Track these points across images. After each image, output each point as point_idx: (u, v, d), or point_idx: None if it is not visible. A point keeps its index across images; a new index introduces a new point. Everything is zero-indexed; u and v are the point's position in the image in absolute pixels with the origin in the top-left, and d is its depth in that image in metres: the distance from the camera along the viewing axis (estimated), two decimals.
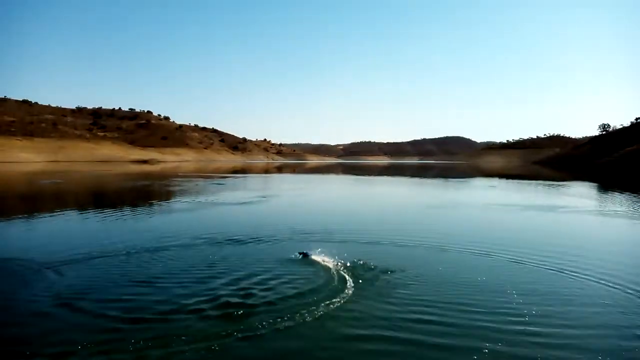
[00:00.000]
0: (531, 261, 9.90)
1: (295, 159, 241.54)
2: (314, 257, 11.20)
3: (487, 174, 67.74)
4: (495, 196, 28.31)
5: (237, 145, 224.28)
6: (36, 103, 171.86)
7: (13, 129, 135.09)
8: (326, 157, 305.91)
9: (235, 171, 69.99)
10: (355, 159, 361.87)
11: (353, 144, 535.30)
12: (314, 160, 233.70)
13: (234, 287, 7.89)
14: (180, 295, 7.50)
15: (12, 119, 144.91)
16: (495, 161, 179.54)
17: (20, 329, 6.07)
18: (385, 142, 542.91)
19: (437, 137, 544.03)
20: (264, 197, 25.86)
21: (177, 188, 32.18)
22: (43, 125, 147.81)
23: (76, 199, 25.68)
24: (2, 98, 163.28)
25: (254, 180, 46.88)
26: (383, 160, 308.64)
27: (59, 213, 17.96)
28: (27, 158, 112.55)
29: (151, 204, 21.92)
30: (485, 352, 5.34)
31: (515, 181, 45.57)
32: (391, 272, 8.95)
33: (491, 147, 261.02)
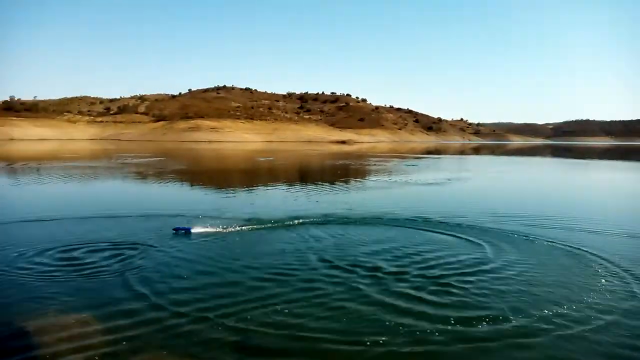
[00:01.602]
0: None
1: (494, 139, 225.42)
2: (195, 230, 10.20)
3: None
4: None
5: (431, 125, 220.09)
6: (255, 90, 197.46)
7: (238, 113, 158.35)
8: (531, 138, 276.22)
9: (429, 152, 69.04)
10: (568, 139, 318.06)
11: (566, 123, 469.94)
12: (516, 141, 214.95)
13: (436, 279, 7.30)
14: (380, 266, 7.76)
15: (237, 104, 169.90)
16: None
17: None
18: (608, 120, 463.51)
19: None
20: (457, 178, 24.86)
21: (372, 167, 33.28)
22: (261, 109, 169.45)
23: (286, 174, 28.86)
24: (230, 87, 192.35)
25: (447, 161, 45.48)
26: (604, 142, 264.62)
27: (274, 185, 20.39)
28: (248, 138, 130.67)
29: (348, 181, 23.18)
30: None
31: None
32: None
33: None
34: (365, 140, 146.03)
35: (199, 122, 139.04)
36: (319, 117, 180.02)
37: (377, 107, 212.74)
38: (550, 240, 9.47)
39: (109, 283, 7.04)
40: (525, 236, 9.90)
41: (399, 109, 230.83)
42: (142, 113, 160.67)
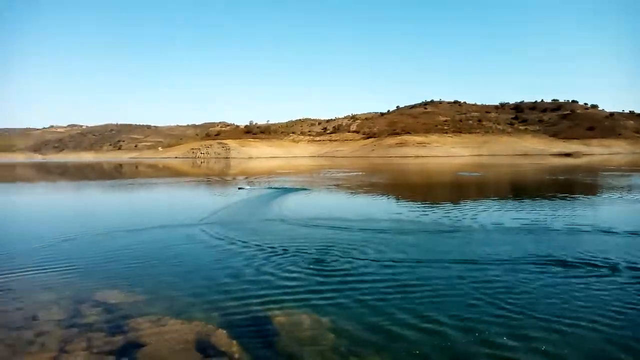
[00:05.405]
0: None
1: None
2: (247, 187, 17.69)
3: None
4: None
5: None
6: (464, 102, 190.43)
7: (446, 127, 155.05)
8: None
9: None
10: None
11: None
12: None
13: None
14: None
15: (445, 118, 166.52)
16: None
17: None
18: None
19: None
20: None
21: (603, 182, 27.84)
22: (470, 122, 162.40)
23: (494, 191, 26.09)
24: (438, 101, 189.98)
25: None
26: None
27: (473, 203, 18.43)
28: (456, 152, 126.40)
29: (572, 199, 19.49)
30: None
31: None
32: None
33: None
34: (596, 152, 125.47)
35: (406, 137, 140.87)
36: (537, 128, 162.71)
37: (612, 114, 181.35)
38: None
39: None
40: None
41: None
42: (353, 131, 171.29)
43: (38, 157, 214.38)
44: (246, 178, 37.24)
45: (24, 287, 7.43)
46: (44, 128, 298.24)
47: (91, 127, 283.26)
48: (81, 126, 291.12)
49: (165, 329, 5.65)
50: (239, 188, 24.45)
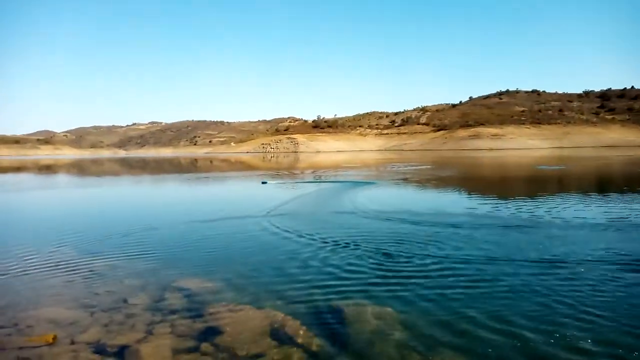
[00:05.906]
0: None
1: None
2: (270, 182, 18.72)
3: None
4: None
5: None
6: (544, 92, 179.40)
7: (523, 118, 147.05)
8: None
9: None
10: None
11: None
12: None
13: None
14: None
15: (522, 108, 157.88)
16: None
17: None
18: None
19: None
20: None
21: None
22: (549, 112, 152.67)
23: (579, 184, 24.22)
24: (514, 91, 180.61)
25: None
26: None
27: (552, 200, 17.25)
28: (533, 144, 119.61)
29: None
30: None
31: None
32: None
33: None
34: None
35: (480, 129, 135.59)
36: (627, 117, 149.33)
37: None
38: None
39: None
40: None
41: None
42: (423, 124, 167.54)
43: (122, 153, 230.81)
44: (313, 172, 37.60)
45: (113, 273, 7.95)
46: (127, 125, 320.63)
47: (169, 124, 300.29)
48: (160, 123, 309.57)
49: (241, 316, 5.81)
50: (263, 182, 23.50)
